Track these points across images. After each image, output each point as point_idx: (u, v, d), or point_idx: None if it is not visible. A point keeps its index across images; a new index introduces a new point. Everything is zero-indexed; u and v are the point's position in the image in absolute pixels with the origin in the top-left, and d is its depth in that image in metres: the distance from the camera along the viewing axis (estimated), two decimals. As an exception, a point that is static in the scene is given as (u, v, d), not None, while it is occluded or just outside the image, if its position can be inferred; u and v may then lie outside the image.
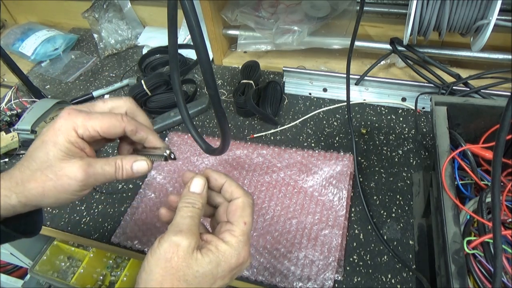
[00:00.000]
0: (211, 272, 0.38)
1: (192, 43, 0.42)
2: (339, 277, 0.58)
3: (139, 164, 0.45)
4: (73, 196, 0.42)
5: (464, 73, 0.80)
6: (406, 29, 0.74)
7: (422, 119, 0.79)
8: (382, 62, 0.88)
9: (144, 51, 1.08)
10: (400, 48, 0.83)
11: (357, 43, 0.85)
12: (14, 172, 0.42)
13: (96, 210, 0.72)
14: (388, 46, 0.85)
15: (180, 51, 1.02)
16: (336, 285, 0.57)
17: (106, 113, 0.44)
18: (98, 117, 0.43)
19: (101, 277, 1.21)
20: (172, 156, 0.47)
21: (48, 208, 0.73)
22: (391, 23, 0.91)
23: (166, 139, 0.81)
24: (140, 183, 0.74)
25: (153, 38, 1.11)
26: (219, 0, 0.92)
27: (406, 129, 0.78)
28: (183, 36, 1.08)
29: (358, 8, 0.86)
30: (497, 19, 0.66)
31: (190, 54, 1.04)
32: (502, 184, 0.49)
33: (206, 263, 0.38)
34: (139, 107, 0.49)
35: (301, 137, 0.79)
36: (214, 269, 0.38)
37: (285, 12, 0.93)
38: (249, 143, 0.79)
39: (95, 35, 1.11)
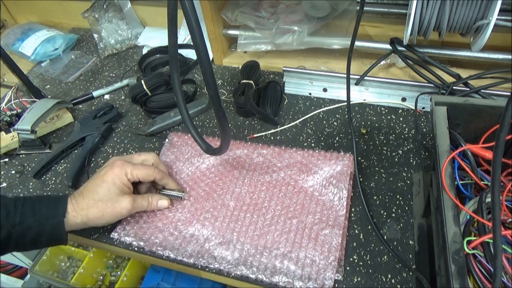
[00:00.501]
0: None
1: (192, 43, 0.43)
2: (339, 277, 0.58)
3: (162, 202, 0.67)
4: (118, 219, 0.63)
5: (464, 73, 0.80)
6: (406, 29, 0.73)
7: (422, 119, 0.79)
8: (382, 62, 0.88)
9: (144, 51, 1.08)
10: (400, 48, 0.83)
11: (357, 43, 0.85)
12: (79, 199, 0.60)
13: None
14: (388, 46, 0.85)
15: (180, 51, 1.02)
16: (336, 285, 0.57)
17: (145, 165, 0.66)
18: (141, 168, 0.64)
19: (101, 277, 1.21)
20: (186, 197, 0.70)
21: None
22: (391, 23, 0.91)
23: (167, 140, 0.81)
24: (140, 183, 0.74)
25: (153, 38, 1.11)
26: (219, 0, 0.92)
27: (406, 129, 0.78)
28: (183, 36, 1.08)
29: (358, 8, 0.86)
30: (497, 19, 0.66)
31: (190, 54, 1.04)
32: (502, 184, 0.49)
33: None
34: (160, 160, 0.71)
35: (301, 137, 0.79)
36: None
37: (285, 12, 0.93)
38: (249, 142, 0.79)
39: (95, 35, 1.11)
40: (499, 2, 0.64)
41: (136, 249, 0.65)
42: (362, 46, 0.87)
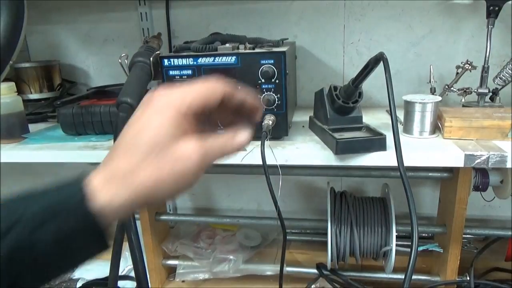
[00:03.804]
0: None
1: (129, 274, 0.47)
2: None
3: (241, 136, 0.39)
4: (185, 185, 0.35)
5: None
6: (327, 255, 0.83)
7: None
8: (312, 286, 0.94)
9: (79, 284, 1.05)
10: (325, 272, 0.91)
11: (287, 269, 0.92)
12: (112, 165, 0.34)
13: None
14: (315, 271, 0.93)
15: (120, 282, 1.02)
16: None
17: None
18: (196, 87, 0.37)
19: None
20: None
21: None
22: (316, 250, 1.02)
23: None
24: None
25: (90, 270, 1.10)
26: (161, 233, 1.00)
27: None
28: (122, 267, 1.09)
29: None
30: (397, 244, 0.79)
31: (128, 284, 1.03)
32: None
33: None
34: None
35: None
36: None
37: (221, 242, 1.02)
38: None
39: None
40: (394, 231, 0.78)
41: None
42: (292, 271, 0.94)
